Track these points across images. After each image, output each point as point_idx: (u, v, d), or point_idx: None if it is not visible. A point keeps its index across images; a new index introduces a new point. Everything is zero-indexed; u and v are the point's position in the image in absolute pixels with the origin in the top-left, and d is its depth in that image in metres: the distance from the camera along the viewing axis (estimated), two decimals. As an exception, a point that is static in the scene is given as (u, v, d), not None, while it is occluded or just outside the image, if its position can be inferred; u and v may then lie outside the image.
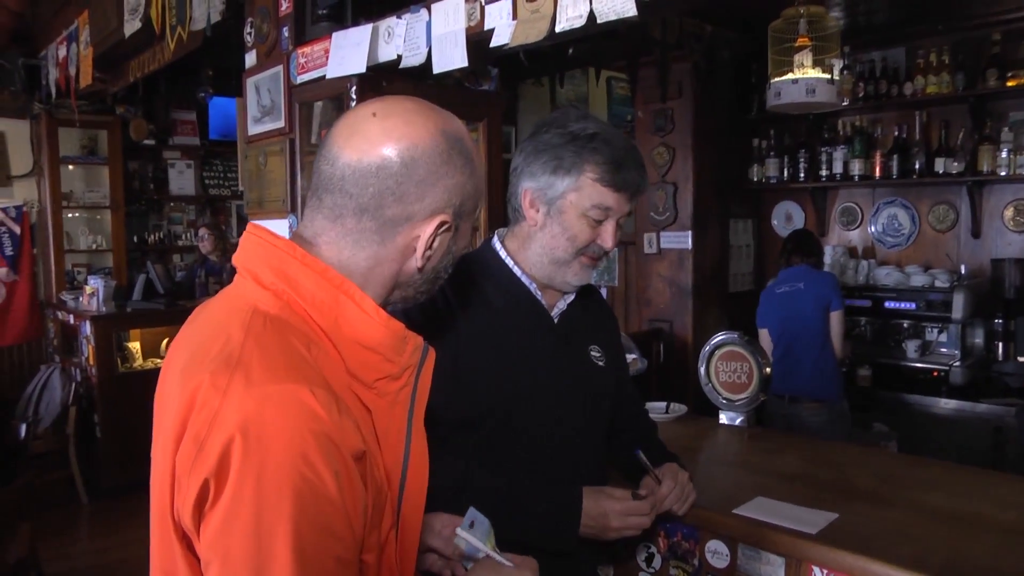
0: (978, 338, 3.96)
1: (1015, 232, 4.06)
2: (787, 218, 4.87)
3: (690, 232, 4.37)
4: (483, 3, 2.29)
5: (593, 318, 1.56)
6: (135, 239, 6.33)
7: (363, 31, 2.65)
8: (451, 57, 2.39)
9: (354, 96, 2.71)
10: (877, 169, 4.26)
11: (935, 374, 3.88)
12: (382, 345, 0.88)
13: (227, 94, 5.48)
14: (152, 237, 6.48)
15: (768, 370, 2.28)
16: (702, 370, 2.36)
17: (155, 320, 4.96)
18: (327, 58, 2.77)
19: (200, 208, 6.76)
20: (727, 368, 2.32)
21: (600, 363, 1.51)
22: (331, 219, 0.90)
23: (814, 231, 4.47)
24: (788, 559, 1.48)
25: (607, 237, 1.38)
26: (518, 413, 1.38)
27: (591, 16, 2.00)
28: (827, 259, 4.31)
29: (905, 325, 4.22)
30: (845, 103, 4.21)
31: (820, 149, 4.50)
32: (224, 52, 3.83)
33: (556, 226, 1.37)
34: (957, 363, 3.85)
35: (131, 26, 3.72)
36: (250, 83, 3.26)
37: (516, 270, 1.43)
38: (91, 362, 4.70)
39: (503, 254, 1.45)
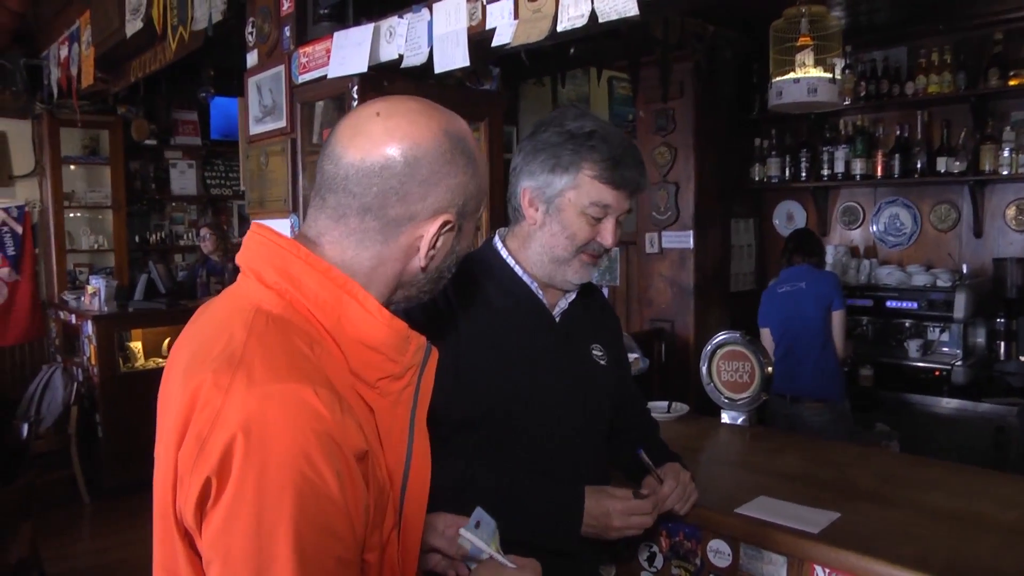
0: (980, 338, 3.96)
1: (1017, 231, 4.05)
2: (788, 218, 4.87)
3: (691, 232, 4.36)
4: (485, 3, 2.28)
5: (595, 317, 1.56)
6: (137, 239, 6.34)
7: (364, 31, 2.65)
8: (452, 57, 2.39)
9: (355, 96, 2.71)
10: (879, 168, 4.26)
11: (937, 374, 3.88)
12: (385, 345, 0.88)
13: (228, 94, 5.48)
14: (154, 237, 6.48)
15: (770, 370, 2.27)
16: (704, 369, 2.36)
17: (157, 320, 4.97)
18: (328, 58, 2.77)
19: (202, 208, 6.76)
20: (729, 368, 2.32)
21: (602, 362, 1.51)
22: (334, 219, 0.90)
23: (815, 231, 4.47)
24: (790, 558, 1.48)
25: (607, 235, 1.38)
26: (519, 412, 1.37)
27: (593, 15, 2.00)
28: (829, 259, 4.31)
29: (907, 325, 4.21)
30: (847, 102, 4.22)
31: (821, 148, 4.50)
32: (225, 52, 3.83)
33: (555, 224, 1.37)
34: (959, 363, 3.84)
35: (133, 26, 3.72)
36: (251, 83, 3.26)
37: (517, 269, 1.43)
38: (93, 362, 4.70)
39: (504, 253, 1.45)
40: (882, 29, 4.23)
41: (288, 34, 3.03)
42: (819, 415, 3.46)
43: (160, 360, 4.96)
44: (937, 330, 4.11)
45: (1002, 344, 3.90)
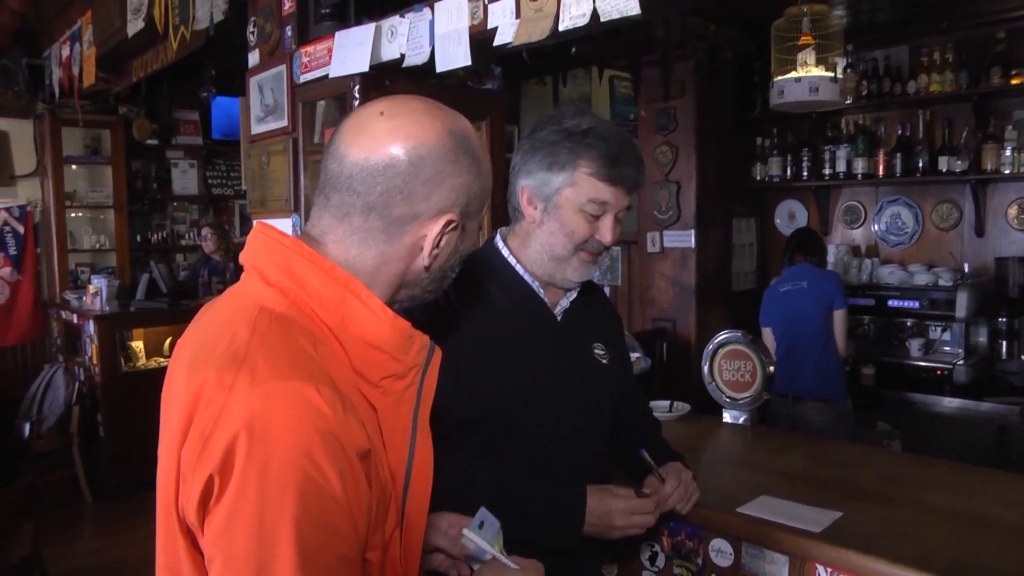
0: (982, 337, 3.95)
1: (1019, 230, 4.05)
2: (790, 217, 4.87)
3: (693, 231, 4.36)
4: (486, 2, 2.28)
5: (596, 316, 1.55)
6: (138, 239, 6.34)
7: (366, 30, 2.65)
8: (454, 56, 2.38)
9: (357, 95, 2.71)
10: (880, 167, 4.25)
11: (939, 373, 3.87)
12: (388, 344, 0.88)
13: (230, 93, 5.47)
14: (155, 236, 6.49)
15: (772, 369, 2.27)
16: (705, 369, 2.36)
17: (158, 319, 4.98)
18: (330, 57, 2.77)
19: (203, 207, 6.77)
20: (731, 367, 2.32)
21: (604, 361, 1.50)
22: (338, 217, 0.90)
23: (817, 230, 4.46)
24: (792, 558, 1.48)
25: (605, 232, 1.37)
26: (520, 412, 1.37)
27: (594, 15, 2.00)
28: (830, 258, 4.31)
29: (909, 324, 4.21)
30: (848, 101, 4.21)
31: (823, 148, 4.49)
32: (227, 51, 3.83)
33: (554, 222, 1.37)
34: (961, 362, 3.84)
35: (134, 26, 3.73)
36: (253, 82, 3.26)
37: (519, 268, 1.43)
38: (94, 361, 4.71)
39: (505, 252, 1.45)
40: (884, 28, 4.23)
41: (289, 33, 3.03)
42: (821, 414, 3.46)
43: (162, 360, 4.96)
44: (939, 329, 4.10)
45: (1004, 343, 3.89)
